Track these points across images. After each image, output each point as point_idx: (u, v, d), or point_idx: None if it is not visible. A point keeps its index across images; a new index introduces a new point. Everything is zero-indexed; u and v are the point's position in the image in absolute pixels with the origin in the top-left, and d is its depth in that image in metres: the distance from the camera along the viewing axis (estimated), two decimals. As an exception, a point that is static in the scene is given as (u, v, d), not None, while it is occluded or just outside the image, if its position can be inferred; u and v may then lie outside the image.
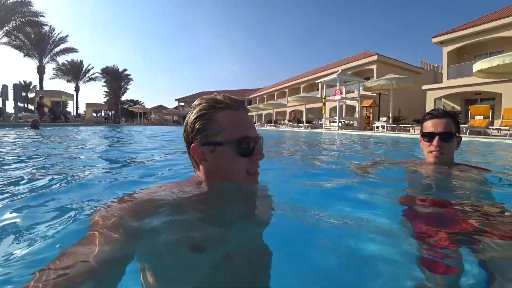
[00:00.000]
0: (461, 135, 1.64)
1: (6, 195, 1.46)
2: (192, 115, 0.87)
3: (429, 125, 1.61)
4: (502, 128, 10.97)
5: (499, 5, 17.57)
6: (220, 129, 0.83)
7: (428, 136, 1.60)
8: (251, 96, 47.86)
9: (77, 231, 0.61)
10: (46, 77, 31.46)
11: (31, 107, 46.62)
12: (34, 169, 2.36)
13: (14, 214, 1.18)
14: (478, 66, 10.21)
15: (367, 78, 22.46)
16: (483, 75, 11.26)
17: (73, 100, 30.21)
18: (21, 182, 1.77)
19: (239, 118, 0.86)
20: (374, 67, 23.68)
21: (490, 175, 1.62)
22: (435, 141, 1.56)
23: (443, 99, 18.83)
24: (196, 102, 0.89)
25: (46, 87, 30.42)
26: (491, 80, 13.38)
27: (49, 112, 17.46)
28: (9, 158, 3.06)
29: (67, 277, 0.47)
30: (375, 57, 23.49)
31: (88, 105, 32.26)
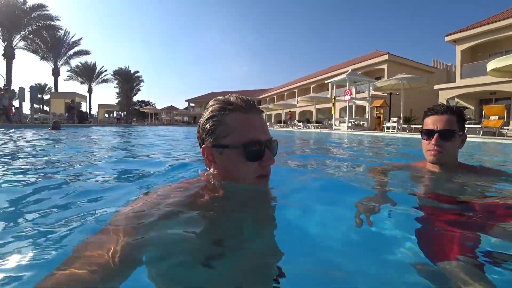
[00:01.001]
0: (466, 134, 1.53)
1: (32, 192, 1.54)
2: (204, 116, 0.87)
3: (428, 122, 1.52)
4: (517, 128, 10.68)
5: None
6: (228, 131, 0.81)
7: (426, 134, 1.51)
8: (261, 97, 47.92)
9: (91, 232, 0.64)
10: (60, 79, 32.49)
11: (46, 108, 47.88)
12: (57, 169, 2.47)
13: (35, 215, 1.24)
14: (492, 64, 10.00)
15: (378, 78, 22.19)
16: (498, 74, 11.01)
17: (86, 101, 31.04)
18: (47, 182, 1.86)
19: (249, 121, 0.83)
20: (385, 66, 23.38)
21: (498, 178, 1.55)
22: (433, 140, 1.47)
23: (456, 99, 18.43)
24: (210, 103, 0.89)
25: (61, 88, 31.38)
26: (507, 79, 13.03)
27: (77, 114, 20.34)
28: (43, 158, 3.23)
29: (75, 278, 0.49)
30: (386, 57, 23.18)
31: (100, 106, 32.93)
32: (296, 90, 36.48)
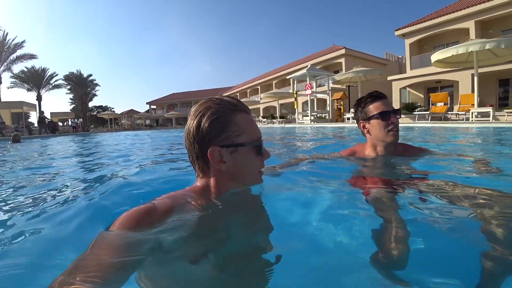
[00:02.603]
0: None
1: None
2: (205, 118, 0.83)
3: (379, 106, 1.60)
4: (459, 113, 11.76)
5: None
6: (241, 131, 0.86)
7: (383, 116, 1.57)
8: (224, 95, 47.22)
9: (88, 240, 0.65)
10: (3, 87, 29.49)
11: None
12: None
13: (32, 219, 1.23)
14: (435, 56, 10.87)
15: (337, 71, 23.09)
16: (441, 65, 12.00)
17: (36, 110, 27.72)
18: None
19: (252, 121, 0.91)
20: (342, 60, 24.36)
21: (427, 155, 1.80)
22: (392, 118, 1.57)
23: (407, 88, 19.80)
24: (205, 105, 0.86)
25: (4, 97, 28.56)
26: (448, 69, 14.25)
27: (50, 125, 20.97)
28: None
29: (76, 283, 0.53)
30: (343, 51, 24.17)
31: (53, 114, 30.54)
32: (259, 87, 36.72)
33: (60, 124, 32.05)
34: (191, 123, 0.86)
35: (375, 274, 0.78)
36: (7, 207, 1.58)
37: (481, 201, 1.07)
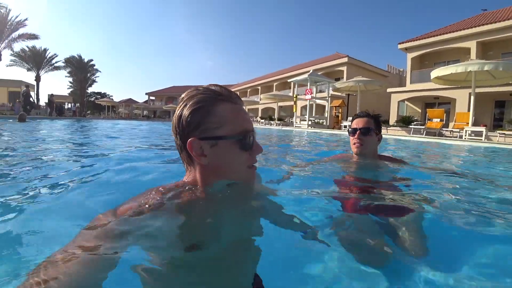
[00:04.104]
0: (381, 134, 2.01)
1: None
2: (187, 108, 0.79)
3: (353, 123, 1.97)
4: (454, 130, 11.96)
5: (459, 17, 18.94)
6: (222, 122, 0.78)
7: (352, 132, 1.96)
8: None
9: (71, 235, 0.66)
10: (2, 64, 29.09)
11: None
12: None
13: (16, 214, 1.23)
14: (435, 73, 11.04)
15: (337, 79, 23.25)
16: (440, 81, 12.19)
17: (34, 91, 27.68)
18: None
19: (239, 111, 0.83)
20: (344, 68, 24.54)
21: (408, 167, 2.02)
22: (356, 134, 1.92)
23: (406, 102, 20.03)
24: (189, 94, 0.82)
25: (3, 75, 28.22)
26: (447, 86, 14.47)
27: (56, 108, 21.67)
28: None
29: (54, 279, 0.50)
30: (345, 59, 24.35)
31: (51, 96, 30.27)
32: (259, 87, 36.82)
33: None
34: (175, 113, 0.83)
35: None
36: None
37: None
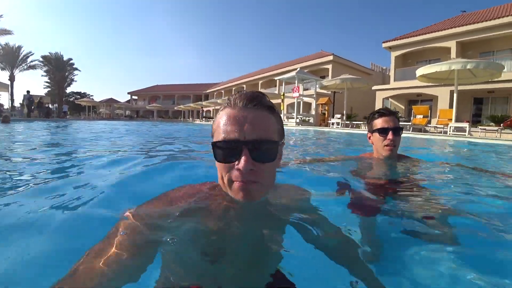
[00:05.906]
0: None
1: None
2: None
3: (381, 122, 1.80)
4: (438, 126, 12.40)
5: (441, 17, 19.64)
6: (214, 129, 0.76)
7: (383, 132, 1.78)
8: (208, 91, 47.15)
9: (103, 231, 0.67)
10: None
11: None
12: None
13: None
14: (420, 71, 11.39)
15: (323, 77, 23.55)
16: (424, 79, 12.57)
17: (8, 91, 25.78)
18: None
19: (231, 117, 0.72)
20: (329, 66, 24.86)
21: (424, 164, 2.01)
22: (389, 135, 1.76)
23: (390, 99, 20.57)
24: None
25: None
26: (430, 84, 14.98)
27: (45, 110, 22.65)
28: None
29: (91, 276, 0.54)
30: (330, 57, 24.67)
31: (27, 97, 28.73)
32: (245, 86, 36.71)
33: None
34: None
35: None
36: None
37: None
